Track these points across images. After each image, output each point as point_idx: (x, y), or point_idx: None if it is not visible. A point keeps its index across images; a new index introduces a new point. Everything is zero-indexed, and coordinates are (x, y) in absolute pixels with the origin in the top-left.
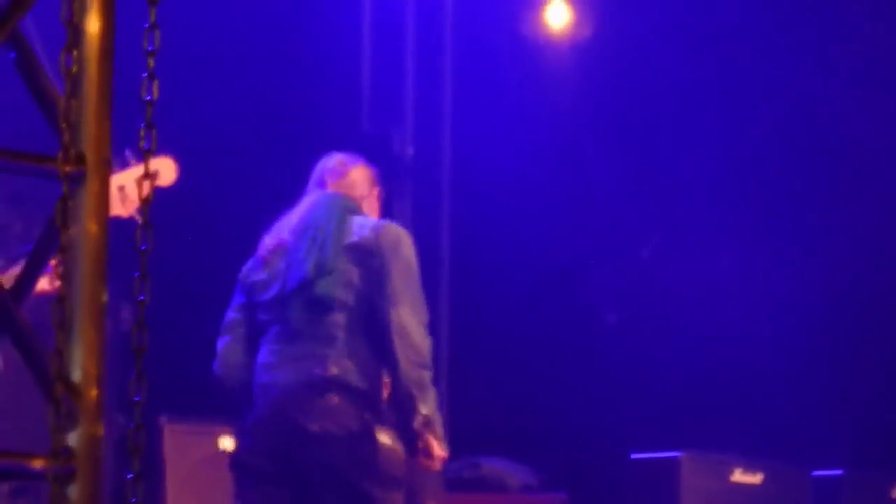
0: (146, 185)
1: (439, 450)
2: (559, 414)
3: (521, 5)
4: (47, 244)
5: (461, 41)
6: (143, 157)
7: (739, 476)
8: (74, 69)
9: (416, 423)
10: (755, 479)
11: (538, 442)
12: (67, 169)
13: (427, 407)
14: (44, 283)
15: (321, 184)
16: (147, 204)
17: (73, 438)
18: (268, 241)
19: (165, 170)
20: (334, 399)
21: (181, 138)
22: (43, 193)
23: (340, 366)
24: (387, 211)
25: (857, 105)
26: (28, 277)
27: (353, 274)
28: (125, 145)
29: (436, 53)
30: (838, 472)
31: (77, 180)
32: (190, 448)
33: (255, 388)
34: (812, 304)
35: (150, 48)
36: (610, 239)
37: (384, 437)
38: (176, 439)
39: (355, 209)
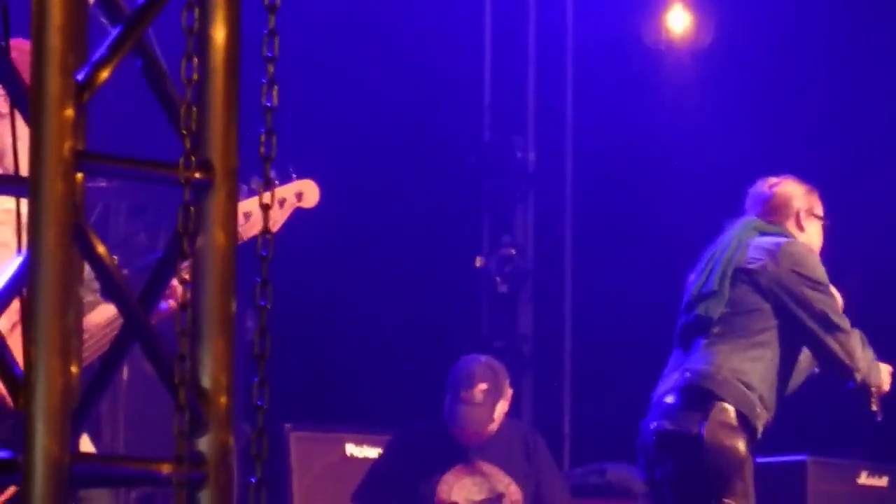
0: (266, 196)
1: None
2: None
3: (642, 11)
4: (174, 252)
5: (582, 48)
6: (270, 184)
7: (865, 479)
8: (195, 77)
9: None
10: (881, 482)
11: None
12: (190, 175)
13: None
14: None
15: (752, 210)
16: (267, 212)
17: (203, 445)
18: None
19: (309, 191)
20: (684, 402)
21: (305, 152)
22: (168, 204)
23: (694, 369)
24: (508, 221)
25: None
26: (155, 286)
27: (739, 294)
28: (253, 173)
29: (557, 61)
30: (802, 457)
31: (203, 188)
32: (316, 455)
33: None
34: None
35: (269, 54)
36: None
37: (723, 439)
38: (302, 446)
39: (770, 230)
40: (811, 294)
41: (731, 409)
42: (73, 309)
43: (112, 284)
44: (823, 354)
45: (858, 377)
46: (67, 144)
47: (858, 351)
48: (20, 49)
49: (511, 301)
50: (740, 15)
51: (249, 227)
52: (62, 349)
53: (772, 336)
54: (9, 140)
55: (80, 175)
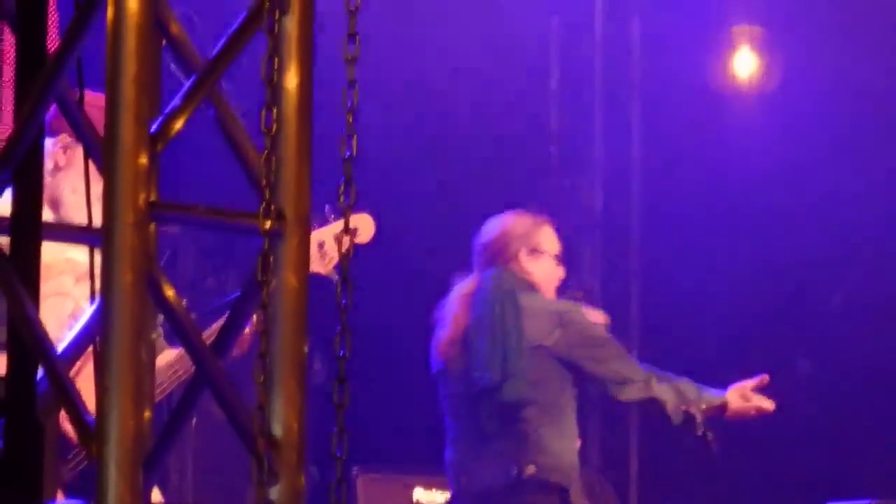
0: (346, 241)
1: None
2: (750, 462)
3: (708, 54)
4: (248, 300)
5: (649, 91)
6: (342, 213)
7: None
8: (274, 127)
9: (698, 410)
10: None
11: (730, 493)
12: (267, 225)
13: (684, 399)
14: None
15: (482, 261)
16: (347, 260)
17: (275, 493)
18: (440, 329)
19: (364, 226)
20: (533, 500)
21: (376, 195)
22: (234, 247)
23: (536, 463)
24: (576, 262)
25: None
26: (228, 333)
27: (542, 371)
28: (324, 202)
29: (623, 103)
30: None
31: (277, 236)
32: (384, 498)
33: (451, 486)
34: None
35: (348, 105)
36: (801, 286)
37: None
38: (370, 489)
39: (523, 284)
40: (600, 353)
41: (579, 492)
42: (145, 356)
43: (183, 331)
44: (628, 403)
45: (672, 412)
46: (141, 195)
47: (659, 392)
48: (90, 102)
49: None
50: (807, 58)
51: (317, 260)
52: (135, 397)
53: (574, 400)
54: (66, 191)
55: (152, 225)
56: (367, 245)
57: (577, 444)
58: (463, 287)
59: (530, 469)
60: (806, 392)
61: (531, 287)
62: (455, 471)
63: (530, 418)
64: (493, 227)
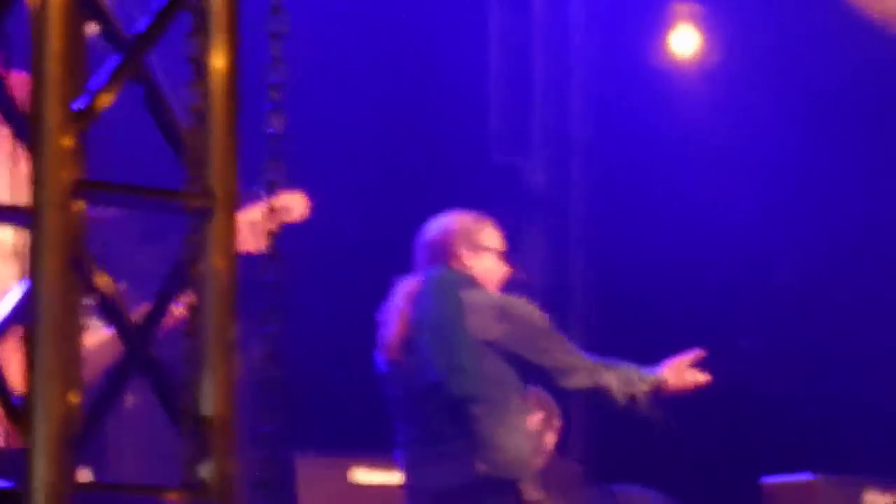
0: (272, 218)
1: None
2: (690, 439)
3: (649, 30)
4: (176, 279)
5: (589, 67)
6: (273, 192)
7: (872, 497)
8: (199, 105)
9: (641, 391)
10: (888, 499)
11: (670, 468)
12: (194, 204)
13: (629, 383)
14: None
15: (424, 260)
16: (273, 236)
17: (206, 471)
18: (384, 329)
19: (297, 205)
20: (487, 498)
21: (307, 169)
22: (176, 230)
23: (487, 460)
24: (517, 241)
25: None
26: (157, 313)
27: (486, 366)
28: (257, 182)
29: (563, 81)
30: (811, 475)
31: (204, 215)
32: (322, 481)
33: (404, 488)
34: None
35: (272, 81)
36: (745, 263)
37: None
38: (308, 473)
39: (466, 281)
40: (544, 344)
41: (532, 484)
42: (73, 338)
43: (111, 312)
44: (575, 391)
45: (617, 396)
46: (66, 173)
47: (604, 378)
48: (16, 82)
49: None
50: (748, 32)
51: (250, 238)
52: (63, 378)
53: (521, 394)
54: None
55: (80, 203)
56: (318, 232)
57: (526, 434)
58: (405, 286)
59: (482, 467)
60: (747, 370)
61: (474, 284)
62: (407, 473)
63: (478, 415)
64: (435, 226)
